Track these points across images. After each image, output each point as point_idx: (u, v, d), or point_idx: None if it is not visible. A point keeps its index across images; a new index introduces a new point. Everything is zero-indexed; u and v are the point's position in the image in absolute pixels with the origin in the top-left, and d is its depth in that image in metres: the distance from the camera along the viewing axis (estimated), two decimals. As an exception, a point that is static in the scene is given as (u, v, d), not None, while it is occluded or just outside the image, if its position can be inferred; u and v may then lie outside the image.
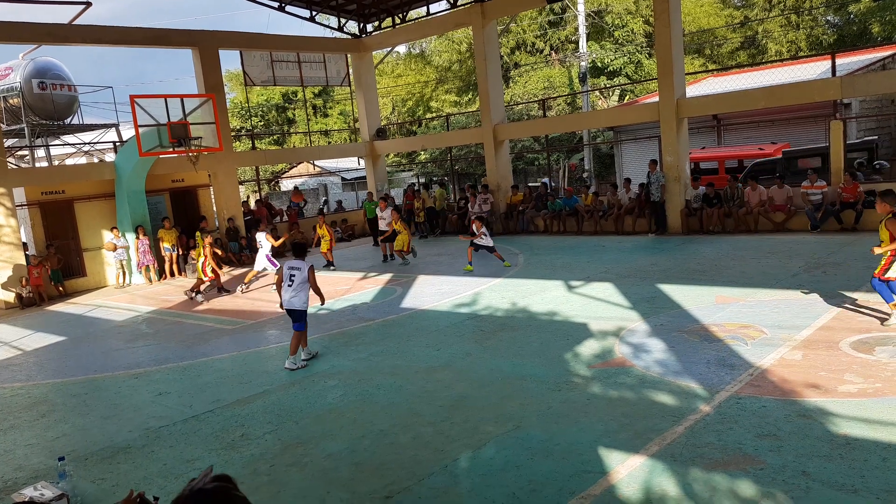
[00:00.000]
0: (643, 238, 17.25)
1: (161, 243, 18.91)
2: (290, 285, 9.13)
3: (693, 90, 22.50)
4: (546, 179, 24.92)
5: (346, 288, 14.66)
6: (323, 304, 9.78)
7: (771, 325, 8.55)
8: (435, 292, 13.14)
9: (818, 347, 7.54)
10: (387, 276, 15.47)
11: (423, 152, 34.61)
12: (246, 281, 15.77)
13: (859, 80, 16.08)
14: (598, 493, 4.92)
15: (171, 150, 17.44)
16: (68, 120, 24.31)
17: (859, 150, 18.75)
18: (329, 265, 17.44)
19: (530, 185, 27.20)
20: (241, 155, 25.90)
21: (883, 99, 21.96)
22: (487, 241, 15.08)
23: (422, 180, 35.10)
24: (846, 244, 13.47)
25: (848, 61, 21.63)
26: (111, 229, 18.53)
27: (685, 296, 10.60)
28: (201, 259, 14.67)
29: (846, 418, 5.67)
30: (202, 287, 14.81)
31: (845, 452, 5.10)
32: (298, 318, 9.08)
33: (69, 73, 24.13)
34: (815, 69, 20.86)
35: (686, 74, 18.86)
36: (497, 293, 12.34)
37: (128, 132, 22.44)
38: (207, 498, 1.78)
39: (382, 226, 18.15)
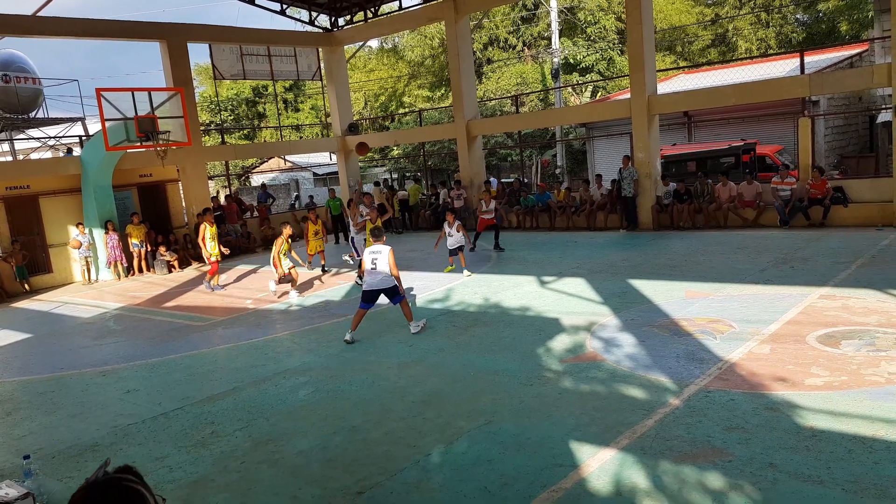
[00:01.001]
0: (615, 234, 17.37)
1: (129, 239, 18.63)
2: (373, 269, 9.56)
3: (664, 87, 22.71)
4: (510, 179, 24.98)
5: (317, 284, 14.57)
6: (402, 294, 9.88)
7: (739, 320, 8.65)
8: (407, 288, 13.11)
9: (786, 341, 7.65)
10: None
11: (395, 148, 34.50)
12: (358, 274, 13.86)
13: (827, 77, 16.34)
14: (569, 487, 4.94)
15: (138, 144, 17.16)
16: (33, 113, 23.80)
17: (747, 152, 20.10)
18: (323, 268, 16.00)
19: (503, 180, 27.24)
20: (211, 149, 25.60)
21: (850, 96, 22.32)
22: (458, 239, 13.93)
23: (394, 176, 35.05)
24: (813, 240, 13.68)
25: (816, 59, 21.96)
26: (77, 225, 18.21)
27: (655, 291, 10.70)
28: (273, 251, 13.32)
29: (813, 411, 5.76)
30: (282, 280, 13.53)
31: (812, 444, 5.17)
32: (394, 293, 9.64)
33: (34, 65, 23.64)
34: (785, 67, 21.16)
35: (657, 71, 19.00)
36: (470, 289, 12.35)
37: (94, 126, 22.03)
38: (98, 492, 1.66)
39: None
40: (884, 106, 19.75)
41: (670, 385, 6.73)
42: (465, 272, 13.69)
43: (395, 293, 9.68)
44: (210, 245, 14.82)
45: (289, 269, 13.33)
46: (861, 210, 14.97)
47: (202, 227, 15.08)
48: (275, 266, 13.29)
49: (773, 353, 7.31)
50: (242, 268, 18.23)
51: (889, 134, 16.66)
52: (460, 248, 14.06)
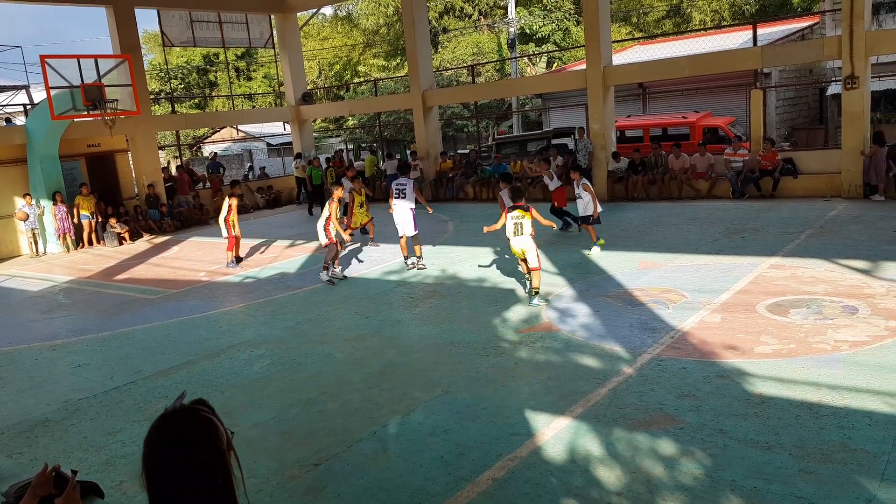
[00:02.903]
0: (570, 205, 17.45)
1: (78, 210, 18.09)
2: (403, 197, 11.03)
3: (620, 58, 22.76)
4: (466, 150, 24.86)
5: (272, 256, 14.39)
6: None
7: (692, 290, 8.81)
8: (364, 259, 13.04)
9: (736, 310, 7.81)
10: (315, 244, 15.24)
11: (350, 118, 34.08)
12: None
13: (779, 50, 16.58)
14: (524, 455, 4.99)
15: (85, 113, 16.67)
16: (-27, 80, 22.90)
17: (566, 135, 21.70)
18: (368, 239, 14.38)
19: (460, 151, 27.16)
20: (161, 119, 24.96)
21: (801, 69, 22.70)
22: (588, 203, 11.74)
23: (350, 146, 34.67)
24: (764, 211, 13.96)
25: (769, 31, 22.24)
26: (24, 196, 17.62)
27: (610, 261, 10.82)
28: (324, 217, 11.36)
29: (762, 378, 5.90)
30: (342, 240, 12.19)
31: (760, 411, 5.31)
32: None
33: (-27, 30, 22.66)
34: (738, 39, 21.37)
35: (613, 42, 19.04)
36: (427, 260, 12.32)
37: (39, 94, 21.25)
38: (175, 421, 1.79)
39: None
40: (833, 78, 20.14)
41: (624, 354, 6.83)
42: (596, 248, 11.57)
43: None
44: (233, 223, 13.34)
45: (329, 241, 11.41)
46: (810, 181, 15.31)
47: (230, 203, 13.32)
48: (340, 226, 11.46)
49: (723, 322, 7.46)
50: (196, 240, 17.90)
51: (838, 106, 17.01)
52: (589, 218, 11.73)
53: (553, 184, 13.59)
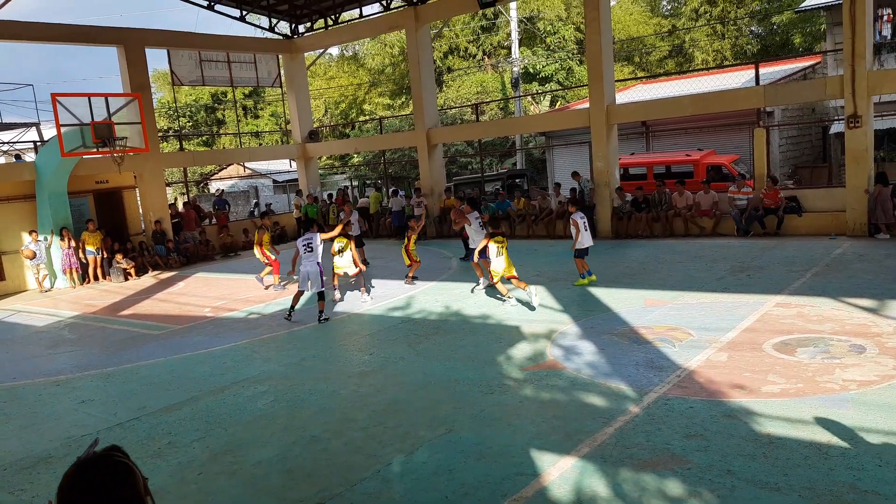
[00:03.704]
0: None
1: (84, 245, 18.17)
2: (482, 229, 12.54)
3: (623, 97, 23.02)
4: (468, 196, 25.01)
5: (277, 292, 14.40)
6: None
7: (698, 328, 8.77)
8: (368, 296, 13.03)
9: (743, 349, 7.77)
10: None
11: (356, 155, 34.36)
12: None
13: (782, 89, 16.72)
14: (530, 495, 4.94)
15: (94, 150, 16.83)
16: (-15, 118, 23.19)
17: (520, 177, 23.89)
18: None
19: (465, 189, 27.30)
20: (169, 156, 25.19)
21: (804, 108, 22.88)
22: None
23: (355, 183, 34.87)
24: (769, 248, 13.96)
25: (771, 71, 22.47)
26: (29, 233, 17.72)
27: (615, 299, 10.80)
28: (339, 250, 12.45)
29: (769, 418, 5.85)
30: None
31: (769, 451, 5.25)
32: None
33: (-15, 68, 23.01)
34: (740, 78, 21.60)
35: (616, 81, 19.25)
36: (430, 297, 12.32)
37: (49, 132, 21.50)
38: (89, 468, 1.77)
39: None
40: (836, 117, 20.28)
41: (630, 393, 6.78)
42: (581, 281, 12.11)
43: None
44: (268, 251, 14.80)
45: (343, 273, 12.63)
46: (815, 219, 15.33)
47: (262, 235, 14.91)
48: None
49: (730, 361, 7.42)
50: (202, 275, 17.94)
51: (842, 145, 17.11)
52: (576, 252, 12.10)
53: (474, 231, 13.02)
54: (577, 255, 12.07)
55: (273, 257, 14.83)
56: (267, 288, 14.57)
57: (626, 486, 4.94)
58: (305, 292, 11.51)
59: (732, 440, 5.50)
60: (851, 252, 12.92)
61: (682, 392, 6.65)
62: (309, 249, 11.30)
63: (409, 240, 13.60)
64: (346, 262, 12.42)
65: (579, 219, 11.98)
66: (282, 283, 14.65)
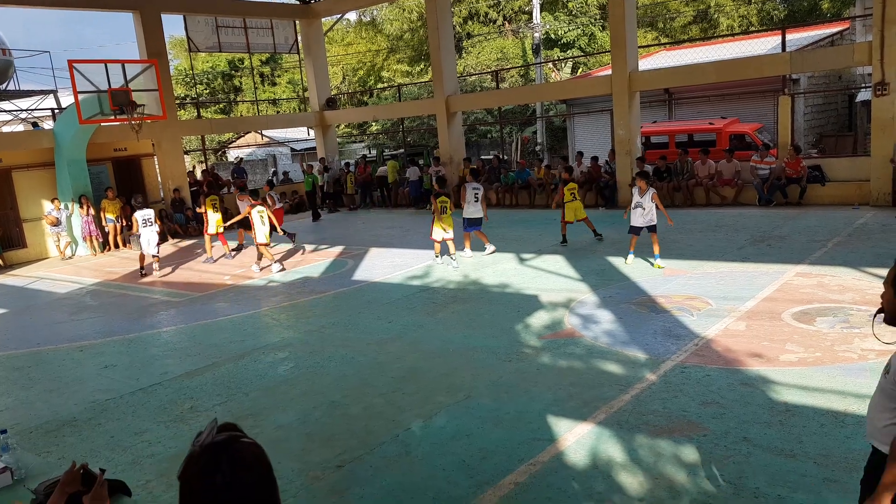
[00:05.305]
0: (594, 211, 17.38)
1: (104, 214, 18.35)
2: (475, 201, 12.53)
3: (645, 64, 22.68)
4: (489, 156, 24.87)
5: (296, 260, 14.49)
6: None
7: (716, 297, 8.74)
8: (387, 265, 13.09)
9: (761, 318, 7.74)
10: (338, 249, 15.35)
11: (374, 123, 34.23)
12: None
13: (808, 56, 16.40)
14: (546, 460, 4.99)
15: (112, 117, 16.87)
16: (4, 86, 23.26)
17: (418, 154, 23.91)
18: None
19: (483, 157, 27.17)
20: (186, 123, 25.27)
21: (830, 75, 22.44)
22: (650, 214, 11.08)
23: (373, 152, 34.82)
24: (790, 218, 13.81)
25: (798, 37, 22.00)
26: (52, 200, 17.90)
27: (633, 268, 10.77)
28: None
29: (786, 386, 5.84)
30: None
31: (785, 419, 5.26)
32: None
33: (3, 36, 23.07)
34: (766, 44, 21.19)
35: (639, 48, 18.97)
36: (449, 266, 12.34)
37: (67, 99, 21.60)
38: (219, 451, 1.73)
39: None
40: (863, 85, 19.89)
41: (647, 361, 6.79)
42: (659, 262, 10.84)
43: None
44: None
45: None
46: (839, 189, 15.13)
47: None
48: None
49: (748, 330, 7.40)
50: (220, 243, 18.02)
51: (868, 113, 16.80)
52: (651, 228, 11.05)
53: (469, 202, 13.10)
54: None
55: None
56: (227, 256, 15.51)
57: (641, 451, 4.98)
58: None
59: (749, 408, 5.51)
60: (874, 222, 12.75)
61: (699, 360, 6.66)
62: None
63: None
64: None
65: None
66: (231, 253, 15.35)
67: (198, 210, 16.34)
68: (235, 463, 1.72)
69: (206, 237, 15.44)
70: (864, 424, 2.83)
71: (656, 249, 10.81)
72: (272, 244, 13.88)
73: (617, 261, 11.33)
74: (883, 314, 2.76)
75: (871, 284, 8.65)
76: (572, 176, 14.06)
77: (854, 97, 22.23)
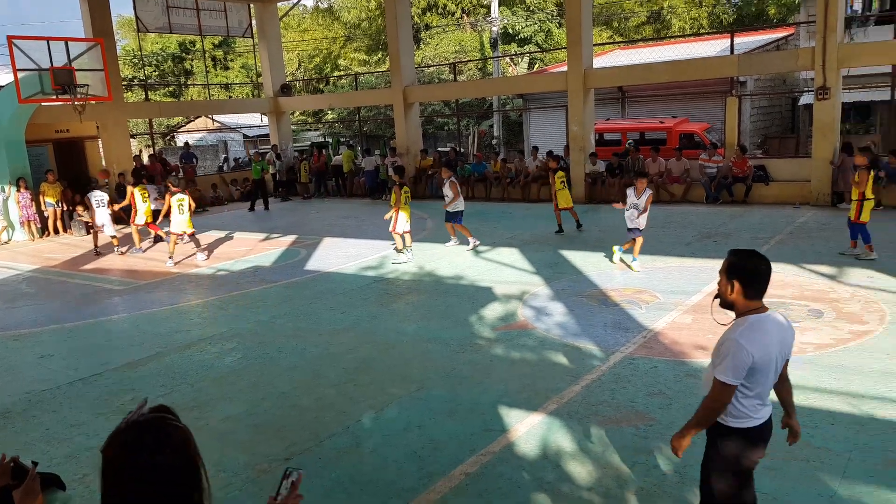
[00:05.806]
0: (548, 205, 17.50)
1: (43, 197, 17.67)
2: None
3: (600, 62, 22.92)
4: (446, 149, 24.90)
5: (246, 249, 14.26)
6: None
7: (664, 291, 8.90)
8: (341, 255, 12.97)
9: (707, 312, 7.88)
10: (291, 238, 15.15)
11: (330, 111, 33.88)
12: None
13: (755, 59, 16.79)
14: (497, 451, 5.01)
15: (54, 97, 16.31)
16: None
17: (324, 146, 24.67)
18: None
19: (440, 149, 27.13)
20: (133, 106, 24.62)
21: (775, 78, 23.02)
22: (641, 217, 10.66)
23: (328, 140, 34.47)
24: (736, 216, 14.14)
25: (746, 41, 22.55)
26: (-11, 183, 17.22)
27: (586, 262, 10.89)
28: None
29: (731, 379, 5.96)
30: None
31: (730, 410, 5.36)
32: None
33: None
34: (715, 47, 21.63)
35: (594, 45, 19.15)
36: (404, 257, 12.28)
37: (5, 77, 20.84)
38: (143, 429, 1.66)
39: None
40: (806, 88, 20.44)
41: (597, 352, 6.88)
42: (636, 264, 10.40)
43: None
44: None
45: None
46: (782, 188, 15.54)
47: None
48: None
49: (694, 323, 7.55)
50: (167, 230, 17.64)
51: (810, 116, 17.28)
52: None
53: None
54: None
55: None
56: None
57: (590, 441, 5.04)
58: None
59: (694, 398, 5.58)
60: (814, 221, 13.15)
61: (647, 352, 6.77)
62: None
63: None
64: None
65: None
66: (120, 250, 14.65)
67: (123, 203, 15.81)
68: (161, 443, 1.66)
69: (133, 227, 14.97)
70: (803, 415, 2.93)
71: (636, 252, 10.43)
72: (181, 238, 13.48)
73: (570, 254, 11.43)
74: (718, 299, 3.22)
75: (810, 281, 8.92)
76: (560, 164, 14.12)
77: (797, 100, 22.88)
